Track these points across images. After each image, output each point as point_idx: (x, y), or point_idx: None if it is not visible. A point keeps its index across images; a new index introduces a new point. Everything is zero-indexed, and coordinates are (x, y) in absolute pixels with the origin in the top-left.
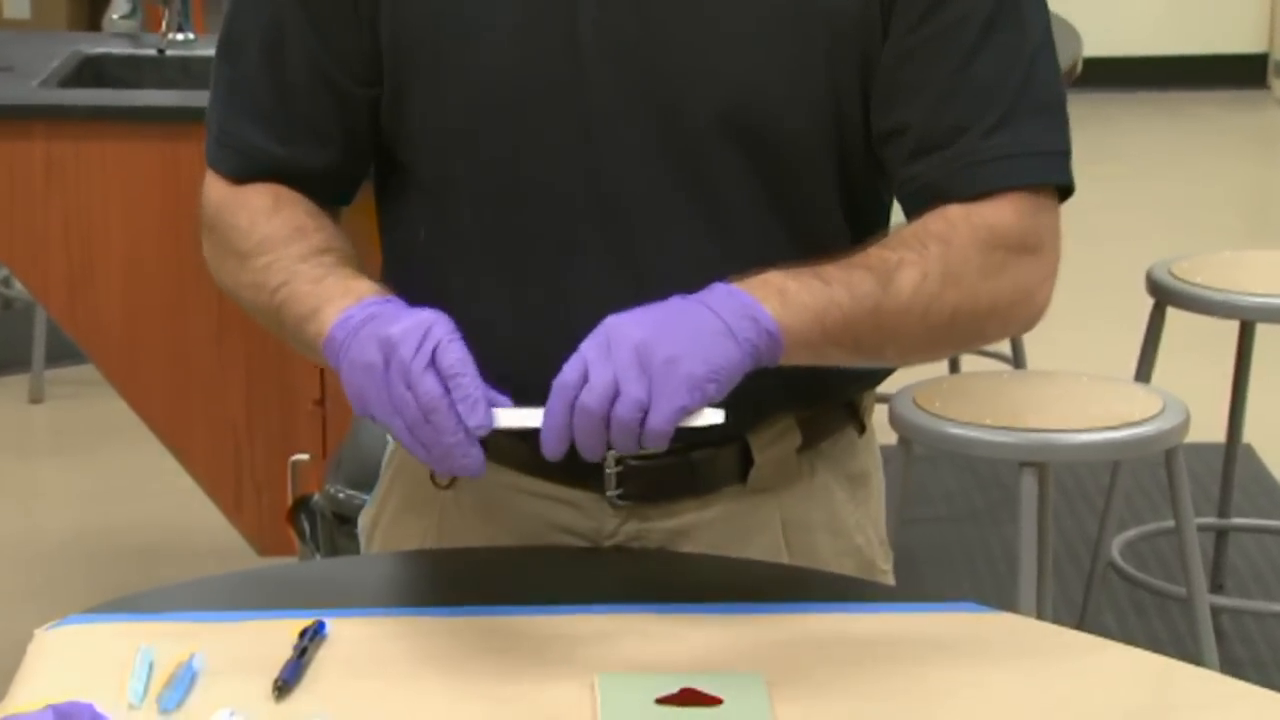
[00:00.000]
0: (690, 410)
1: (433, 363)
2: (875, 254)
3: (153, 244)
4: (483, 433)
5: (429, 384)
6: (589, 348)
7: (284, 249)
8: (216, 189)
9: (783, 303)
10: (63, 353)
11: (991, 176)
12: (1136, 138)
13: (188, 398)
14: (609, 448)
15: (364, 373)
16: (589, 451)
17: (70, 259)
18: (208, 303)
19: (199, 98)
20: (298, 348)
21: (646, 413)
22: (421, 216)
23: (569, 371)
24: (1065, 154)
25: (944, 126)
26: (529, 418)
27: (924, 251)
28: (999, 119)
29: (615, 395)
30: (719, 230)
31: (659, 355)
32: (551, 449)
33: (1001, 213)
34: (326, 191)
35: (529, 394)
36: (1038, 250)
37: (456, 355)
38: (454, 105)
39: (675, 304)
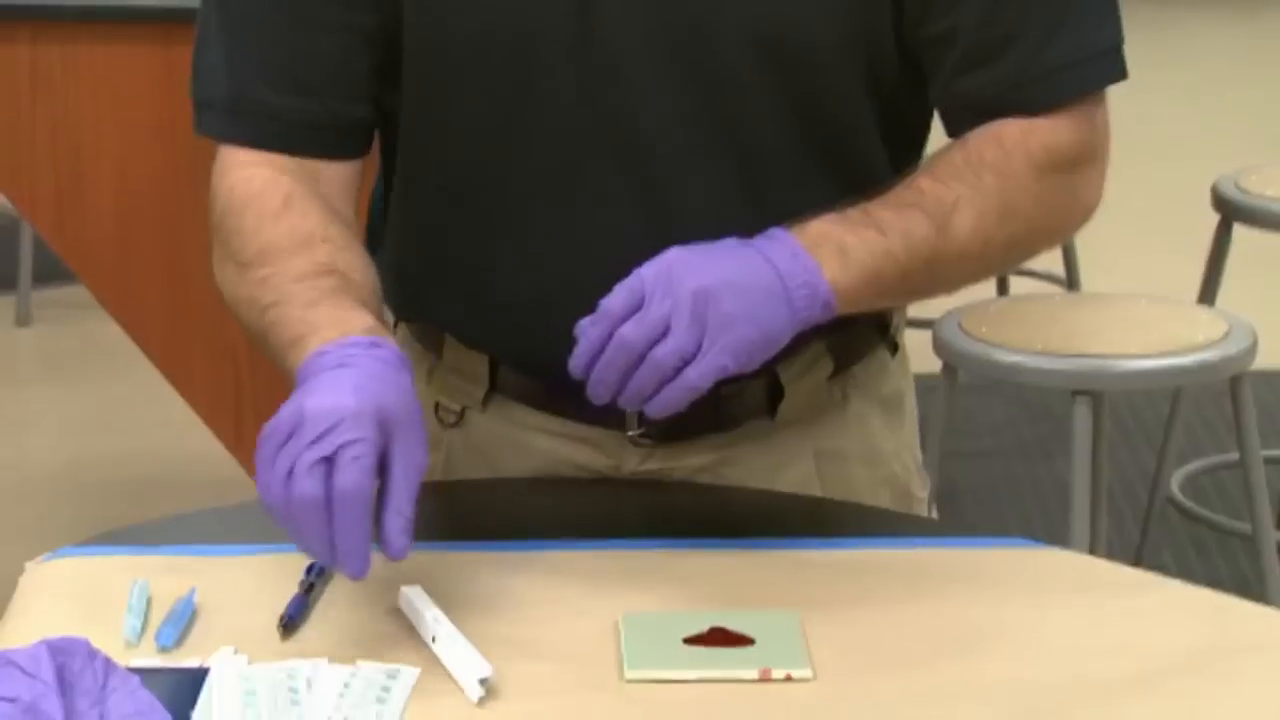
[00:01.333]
0: (728, 374)
1: (330, 462)
2: (930, 192)
3: (146, 155)
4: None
5: (305, 487)
6: (650, 277)
7: (284, 263)
8: (226, 184)
9: (843, 265)
10: (51, 273)
11: (1048, 92)
12: (1204, 41)
13: (185, 320)
14: (619, 390)
15: (276, 420)
16: (601, 387)
17: (58, 172)
18: (204, 219)
19: None
20: (284, 374)
21: (685, 364)
22: (428, 159)
23: (621, 296)
24: (1120, 46)
25: (995, 36)
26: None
27: (979, 185)
28: (1053, 22)
29: (660, 336)
30: (746, 167)
31: (718, 308)
32: (580, 367)
33: (1058, 131)
34: (347, 144)
35: (538, 341)
36: (1092, 159)
37: (351, 479)
38: (460, 36)
39: (738, 251)
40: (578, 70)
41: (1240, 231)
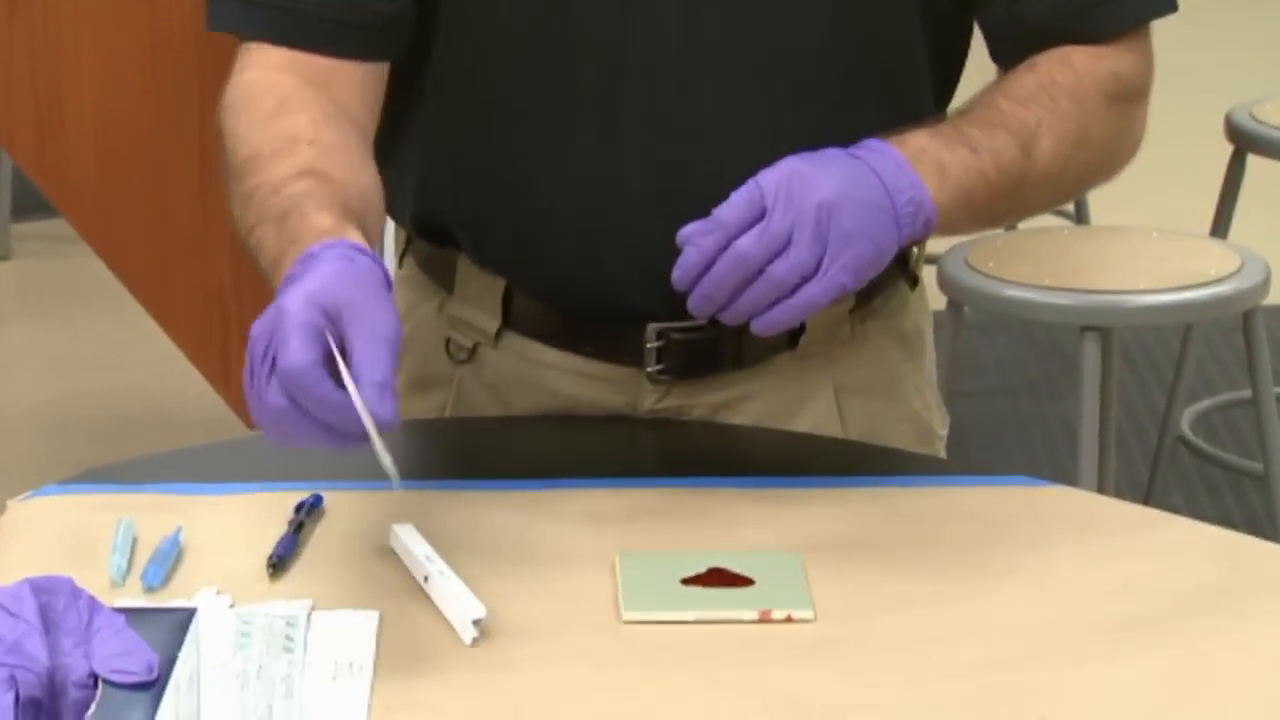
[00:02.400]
0: (845, 292)
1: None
2: (1011, 113)
3: (129, 84)
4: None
5: (272, 398)
6: (771, 189)
7: (267, 171)
8: (235, 80)
9: (940, 182)
10: (30, 205)
11: (1114, 19)
12: None
13: (169, 255)
14: (726, 305)
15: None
16: (707, 302)
17: (37, 101)
18: (190, 150)
19: None
20: None
21: (804, 282)
22: (463, 63)
23: (739, 208)
24: None
25: None
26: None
27: (1055, 109)
28: None
29: (780, 251)
30: (793, 89)
31: (839, 224)
32: (686, 279)
33: (1123, 59)
34: (368, 42)
35: (561, 263)
36: (1146, 92)
37: (287, 361)
38: None
39: (847, 163)
40: None
41: (1254, 162)
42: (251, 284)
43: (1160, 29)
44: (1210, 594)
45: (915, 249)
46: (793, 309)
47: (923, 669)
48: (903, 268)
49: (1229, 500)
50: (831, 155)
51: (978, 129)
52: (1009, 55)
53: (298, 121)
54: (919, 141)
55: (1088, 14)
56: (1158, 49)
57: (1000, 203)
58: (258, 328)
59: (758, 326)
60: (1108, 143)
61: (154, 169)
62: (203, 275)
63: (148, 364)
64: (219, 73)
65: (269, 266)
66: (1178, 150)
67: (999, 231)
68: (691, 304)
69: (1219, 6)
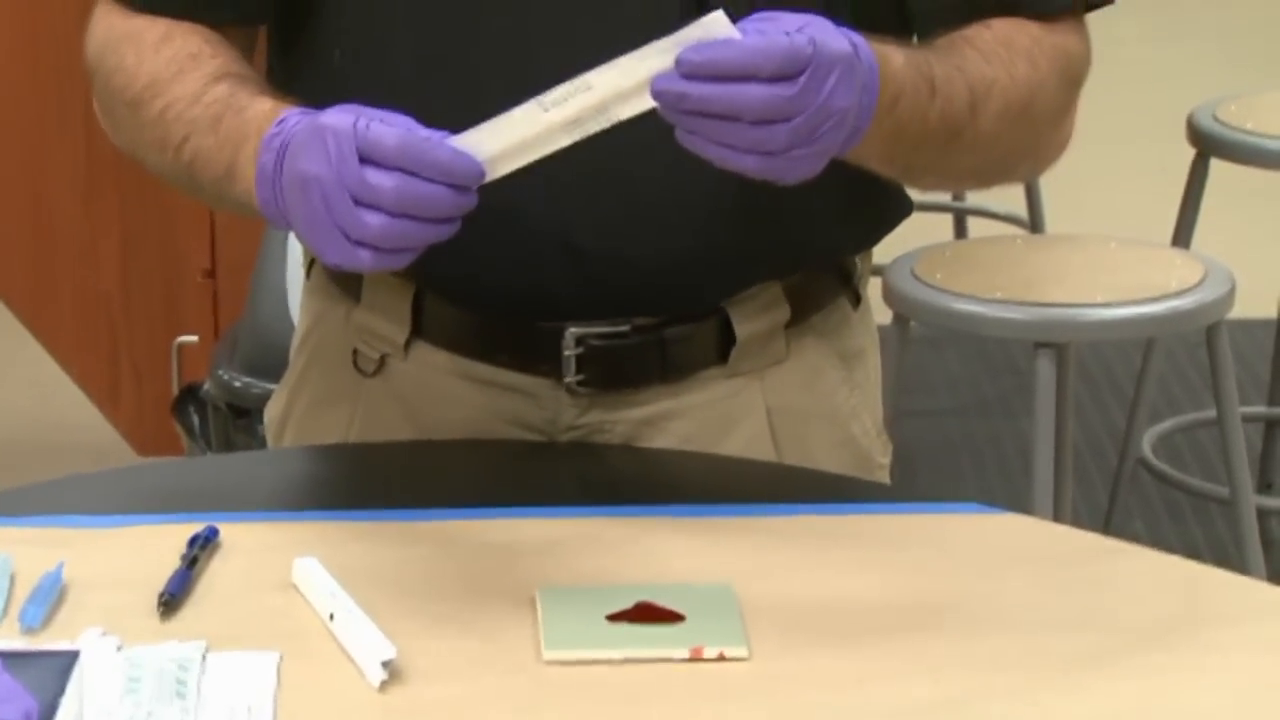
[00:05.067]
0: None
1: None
2: (974, 66)
3: (6, 81)
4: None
5: (389, 135)
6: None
7: (176, 88)
8: (103, 25)
9: (891, 111)
10: None
11: None
12: None
13: (51, 267)
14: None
15: (306, 188)
16: (681, 101)
17: None
18: (74, 152)
19: None
20: (230, 209)
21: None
22: (372, 36)
23: (777, 62)
24: None
25: None
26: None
27: (1012, 72)
28: None
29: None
30: None
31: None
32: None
33: (1070, 38)
34: (243, 10)
35: (476, 259)
36: (1083, 81)
37: (395, 133)
38: None
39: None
40: None
41: (1218, 167)
42: (142, 300)
43: (1117, 21)
44: (1172, 627)
45: (859, 263)
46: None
47: (865, 709)
48: (845, 283)
49: (1193, 526)
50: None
51: (941, 70)
52: (938, 31)
53: (191, 42)
54: (895, 62)
55: None
56: (1116, 40)
57: (927, 152)
58: (307, 160)
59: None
60: (1047, 121)
61: (34, 173)
62: (88, 287)
63: (27, 386)
64: None
65: (220, 175)
66: (1137, 152)
67: (948, 240)
68: (667, 92)
69: None
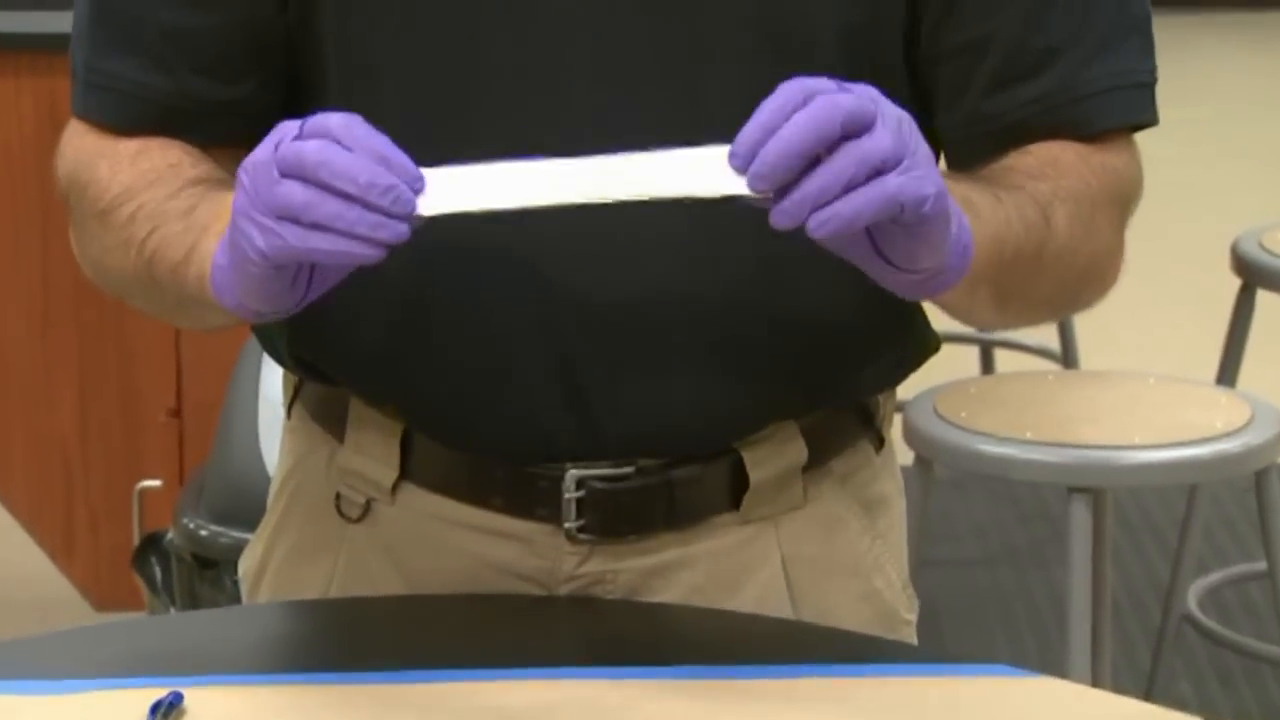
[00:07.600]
0: (922, 210)
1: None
2: (1027, 182)
3: None
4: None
5: (333, 117)
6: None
7: (146, 194)
8: (73, 146)
9: (974, 218)
10: None
11: (1099, 114)
12: (1223, 71)
13: (4, 405)
14: (786, 183)
15: (239, 181)
16: (769, 169)
17: None
18: (29, 285)
19: (14, 20)
20: (182, 314)
21: (877, 175)
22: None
23: (846, 109)
24: (1154, 86)
25: (1036, 48)
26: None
27: (1066, 187)
28: (1099, 41)
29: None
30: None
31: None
32: (756, 129)
33: (1119, 156)
34: (230, 128)
35: (468, 396)
36: (1135, 204)
37: (335, 116)
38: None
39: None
40: (518, 41)
41: (1265, 299)
42: (101, 442)
43: (1158, 143)
44: None
45: (881, 403)
46: (868, 198)
47: None
48: (866, 424)
49: (1244, 690)
50: None
51: (997, 185)
52: (973, 161)
53: (170, 153)
54: (960, 181)
55: (1069, 108)
56: (1155, 162)
57: (1024, 265)
58: (252, 159)
59: (815, 225)
60: (1108, 241)
61: None
62: (43, 430)
63: None
64: None
65: (180, 260)
66: (1177, 282)
67: (974, 375)
68: (753, 172)
69: (1221, 117)
